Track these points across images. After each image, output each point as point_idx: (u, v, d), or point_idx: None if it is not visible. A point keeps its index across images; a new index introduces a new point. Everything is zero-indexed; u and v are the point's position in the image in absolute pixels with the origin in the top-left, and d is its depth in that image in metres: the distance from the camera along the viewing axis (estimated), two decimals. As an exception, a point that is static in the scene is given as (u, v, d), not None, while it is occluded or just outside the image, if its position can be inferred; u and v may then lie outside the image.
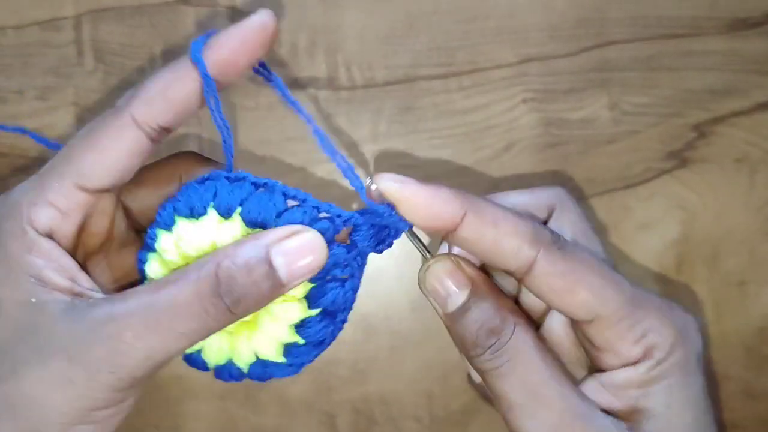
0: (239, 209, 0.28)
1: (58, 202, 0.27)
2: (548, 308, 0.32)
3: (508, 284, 0.33)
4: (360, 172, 0.41)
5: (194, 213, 0.28)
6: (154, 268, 0.29)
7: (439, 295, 0.30)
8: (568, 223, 0.32)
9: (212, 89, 0.27)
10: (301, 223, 0.28)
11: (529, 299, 0.32)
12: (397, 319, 0.41)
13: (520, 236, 0.28)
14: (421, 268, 0.31)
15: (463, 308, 0.30)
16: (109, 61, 0.41)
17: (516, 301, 0.33)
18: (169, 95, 0.27)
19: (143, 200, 0.32)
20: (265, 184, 0.29)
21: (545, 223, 0.32)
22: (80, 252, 0.29)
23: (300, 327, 0.30)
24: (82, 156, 0.27)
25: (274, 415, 0.41)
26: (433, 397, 0.41)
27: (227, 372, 0.31)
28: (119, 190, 0.31)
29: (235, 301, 0.26)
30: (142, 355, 0.26)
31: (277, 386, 0.41)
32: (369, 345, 0.41)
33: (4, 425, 0.26)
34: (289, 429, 0.41)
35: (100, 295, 0.27)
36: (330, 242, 0.28)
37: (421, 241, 0.32)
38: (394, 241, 0.31)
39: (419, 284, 0.31)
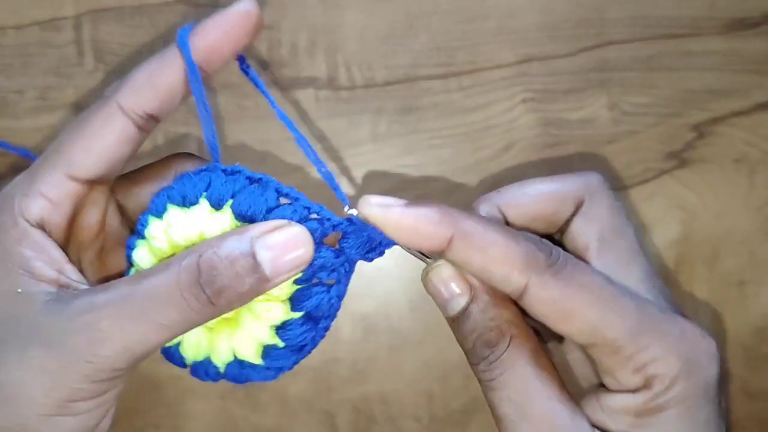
0: (230, 201, 0.28)
1: (48, 192, 0.27)
2: None
3: None
4: (363, 171, 0.41)
5: (186, 202, 0.29)
6: (141, 254, 0.29)
7: (441, 298, 0.30)
8: (595, 218, 0.30)
9: (196, 75, 0.27)
10: (290, 220, 0.28)
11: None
12: (397, 319, 0.41)
13: (509, 263, 0.26)
14: (423, 270, 0.31)
15: (462, 315, 0.30)
16: (109, 61, 0.41)
17: None
18: (155, 83, 0.28)
19: (138, 198, 0.32)
20: (260, 179, 0.29)
21: (574, 214, 0.30)
22: (73, 246, 0.30)
23: (281, 329, 0.29)
24: (71, 146, 0.28)
25: (273, 415, 0.41)
26: (433, 397, 0.41)
27: (204, 370, 0.30)
28: (113, 186, 0.31)
29: (216, 292, 0.26)
30: (120, 346, 0.25)
31: (277, 386, 0.41)
32: (369, 344, 0.41)
33: None
34: (289, 428, 0.41)
35: (85, 286, 0.28)
36: (318, 244, 0.28)
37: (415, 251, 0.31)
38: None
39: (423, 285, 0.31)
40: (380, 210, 0.27)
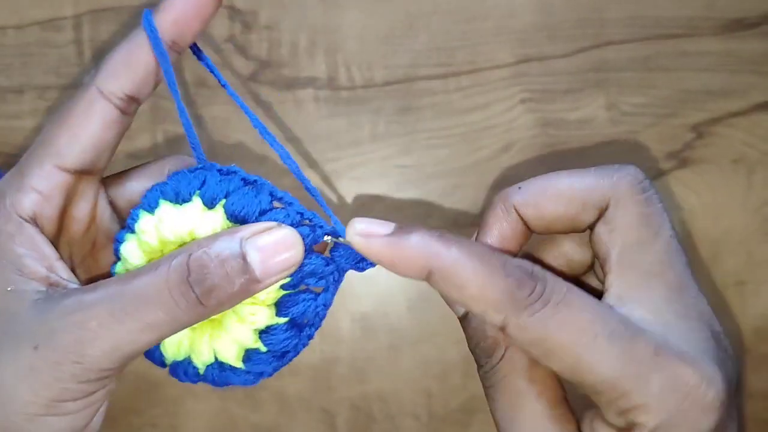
0: (223, 201, 0.28)
1: (39, 185, 0.28)
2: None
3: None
4: (363, 171, 0.41)
5: (179, 198, 0.28)
6: (129, 248, 0.29)
7: (447, 298, 0.30)
8: (618, 229, 0.27)
9: (163, 54, 0.28)
10: (283, 223, 0.28)
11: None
12: (396, 318, 0.41)
13: (485, 302, 0.25)
14: None
15: (465, 319, 0.30)
16: (110, 61, 0.41)
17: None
18: (130, 64, 0.28)
19: (130, 195, 0.32)
20: (255, 181, 0.29)
21: (599, 218, 0.28)
22: (64, 240, 0.29)
23: (265, 333, 0.29)
24: (57, 137, 0.28)
25: (273, 414, 0.41)
26: (432, 396, 0.41)
27: (183, 370, 0.30)
28: (105, 182, 0.31)
29: (206, 291, 0.25)
30: (108, 346, 0.25)
31: (277, 385, 0.41)
32: (368, 343, 0.41)
33: None
34: (289, 427, 0.41)
35: (75, 285, 0.27)
36: (308, 251, 0.28)
37: None
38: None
39: None
40: (361, 240, 0.27)
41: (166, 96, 0.41)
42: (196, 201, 0.28)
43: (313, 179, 0.41)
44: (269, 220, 0.28)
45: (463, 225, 0.41)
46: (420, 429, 0.41)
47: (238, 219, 0.28)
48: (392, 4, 0.41)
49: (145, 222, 0.29)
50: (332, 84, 0.41)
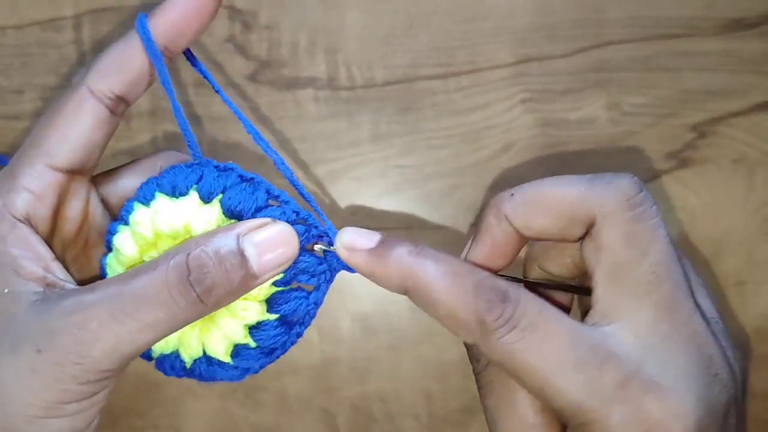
0: (220, 196, 0.28)
1: (31, 185, 0.27)
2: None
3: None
4: (363, 171, 0.41)
5: (176, 192, 0.29)
6: (122, 239, 0.29)
7: None
8: (603, 248, 0.27)
9: (158, 59, 0.28)
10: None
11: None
12: (397, 318, 0.41)
13: (455, 322, 0.26)
14: None
15: None
16: (110, 61, 0.41)
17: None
18: (121, 65, 0.28)
19: (122, 191, 0.32)
20: (252, 179, 0.29)
21: (588, 231, 0.27)
22: (57, 240, 0.29)
23: (255, 329, 0.29)
24: (47, 137, 0.28)
25: (273, 414, 0.41)
26: (432, 396, 0.41)
27: (170, 363, 0.30)
28: (97, 180, 0.31)
29: (206, 290, 0.26)
30: (108, 346, 0.25)
31: (277, 385, 0.41)
32: (368, 344, 0.41)
33: None
34: (289, 427, 0.41)
35: (72, 285, 0.27)
36: (302, 249, 0.28)
37: None
38: None
39: None
40: (345, 253, 0.28)
41: (166, 96, 0.41)
42: (193, 195, 0.28)
43: (313, 179, 0.41)
44: (265, 216, 0.28)
45: (463, 225, 0.41)
46: (420, 429, 0.41)
47: (234, 214, 0.28)
48: (392, 4, 0.41)
49: (140, 214, 0.29)
50: (332, 84, 0.41)
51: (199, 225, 0.28)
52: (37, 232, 0.28)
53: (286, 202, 0.29)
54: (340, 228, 0.29)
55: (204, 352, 0.30)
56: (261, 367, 0.30)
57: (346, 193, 0.41)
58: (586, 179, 0.27)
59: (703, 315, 0.27)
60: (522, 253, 0.31)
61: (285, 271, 0.28)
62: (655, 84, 0.41)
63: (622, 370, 0.25)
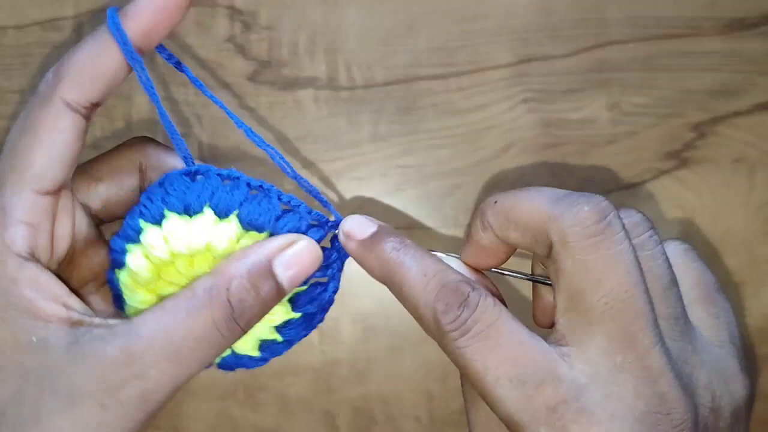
0: (237, 211, 0.28)
1: (26, 217, 0.26)
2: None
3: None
4: (363, 171, 0.41)
5: (189, 211, 0.28)
6: (137, 261, 0.28)
7: None
8: (560, 270, 0.27)
9: (135, 58, 0.26)
10: (298, 228, 0.29)
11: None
12: (397, 319, 0.41)
13: (419, 319, 0.28)
14: None
15: None
16: (109, 61, 0.41)
17: None
18: (96, 72, 0.26)
19: (103, 196, 0.31)
20: (260, 186, 0.29)
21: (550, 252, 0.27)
22: (53, 261, 0.28)
23: (282, 327, 0.31)
24: (29, 159, 0.26)
25: (273, 415, 0.41)
26: (433, 397, 0.41)
27: None
28: (74, 187, 0.29)
29: (247, 322, 0.27)
30: (170, 389, 0.26)
31: (277, 386, 0.41)
32: (369, 345, 0.41)
33: None
34: (289, 428, 0.41)
35: (96, 319, 0.26)
36: None
37: None
38: None
39: None
40: (344, 240, 0.30)
41: (166, 97, 0.41)
42: (208, 212, 0.28)
43: (313, 179, 0.41)
44: (285, 224, 0.28)
45: (464, 225, 0.41)
46: (421, 430, 0.41)
47: (254, 226, 0.28)
48: (392, 4, 0.41)
49: (151, 236, 0.28)
50: (332, 84, 0.41)
51: (220, 243, 0.28)
52: (41, 264, 0.27)
53: (297, 206, 0.29)
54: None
55: (232, 350, 0.31)
56: (285, 351, 0.32)
57: (347, 194, 0.41)
58: (555, 198, 0.27)
59: (665, 350, 0.26)
60: None
61: None
62: (657, 84, 0.41)
63: (559, 394, 0.25)
